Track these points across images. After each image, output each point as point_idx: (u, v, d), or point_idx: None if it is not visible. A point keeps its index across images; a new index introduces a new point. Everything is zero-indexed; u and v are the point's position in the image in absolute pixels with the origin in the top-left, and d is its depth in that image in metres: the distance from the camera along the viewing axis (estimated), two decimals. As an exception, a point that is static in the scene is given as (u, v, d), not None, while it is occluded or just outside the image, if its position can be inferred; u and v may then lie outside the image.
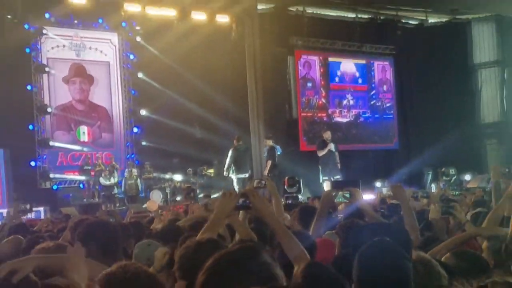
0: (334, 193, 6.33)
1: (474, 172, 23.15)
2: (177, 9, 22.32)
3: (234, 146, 20.92)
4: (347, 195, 6.26)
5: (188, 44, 22.29)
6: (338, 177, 20.40)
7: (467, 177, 23.15)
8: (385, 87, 28.20)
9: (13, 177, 20.87)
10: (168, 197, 21.66)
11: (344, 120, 26.72)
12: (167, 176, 23.17)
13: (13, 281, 3.20)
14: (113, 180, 21.82)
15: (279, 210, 6.43)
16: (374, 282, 3.04)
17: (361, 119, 27.15)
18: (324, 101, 26.39)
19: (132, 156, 24.25)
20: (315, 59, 26.29)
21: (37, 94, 22.54)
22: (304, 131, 25.61)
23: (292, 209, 8.08)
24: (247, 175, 20.41)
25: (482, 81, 29.69)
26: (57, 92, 23.22)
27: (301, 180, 18.91)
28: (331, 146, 20.99)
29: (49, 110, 22.59)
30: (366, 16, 26.92)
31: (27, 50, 22.19)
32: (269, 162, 20.56)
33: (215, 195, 19.46)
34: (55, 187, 22.06)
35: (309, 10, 25.11)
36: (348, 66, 27.23)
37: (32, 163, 22.06)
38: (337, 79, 26.99)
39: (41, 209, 17.93)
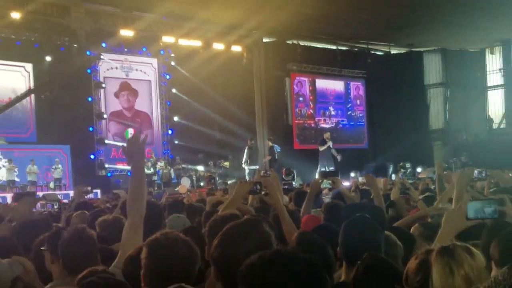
0: (320, 181, 6.44)
1: (424, 166, 23.21)
2: (202, 41, 22.48)
3: (248, 145, 21.05)
4: (330, 183, 6.52)
5: (210, 67, 22.11)
6: (332, 168, 20.31)
7: (419, 169, 23.34)
8: (358, 102, 28.10)
9: (77, 167, 21.12)
10: (194, 183, 21.53)
11: (327, 126, 26.29)
12: (193, 167, 23.08)
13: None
14: (152, 170, 21.79)
15: (279, 193, 6.32)
16: (355, 246, 3.02)
17: (340, 125, 26.91)
18: (312, 111, 26.32)
19: (167, 151, 24.23)
20: (306, 80, 26.20)
21: (96, 104, 22.72)
22: (297, 134, 25.62)
23: (288, 193, 8.10)
24: (257, 167, 20.23)
25: (431, 98, 29.80)
26: (110, 103, 23.41)
27: (295, 171, 19.02)
28: (330, 143, 21.00)
29: (104, 116, 22.84)
30: (344, 48, 26.81)
31: (88, 71, 22.36)
32: (268, 159, 20.54)
33: (230, 182, 19.71)
34: (109, 174, 22.32)
35: (302, 43, 25.04)
36: (330, 85, 27.07)
37: (92, 156, 22.31)
38: (321, 95, 26.76)
39: (98, 191, 17.99)
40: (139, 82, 24.26)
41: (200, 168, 23.04)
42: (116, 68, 23.45)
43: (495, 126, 29.42)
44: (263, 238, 2.48)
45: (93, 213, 5.82)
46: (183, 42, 22.40)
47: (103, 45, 21.96)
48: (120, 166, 22.73)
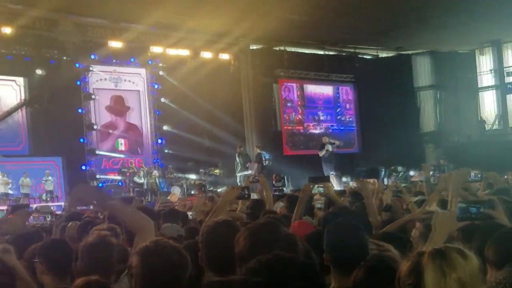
0: (311, 186, 6.29)
1: (417, 169, 22.48)
2: (190, 50, 22.55)
3: (238, 152, 21.35)
4: (321, 189, 6.68)
5: (198, 76, 22.20)
6: (332, 172, 20.57)
7: (412, 172, 23.10)
8: (348, 106, 28.05)
9: (69, 178, 20.81)
10: (185, 191, 21.46)
11: (317, 131, 26.28)
12: (184, 175, 23.04)
13: None
14: (143, 179, 21.70)
15: (269, 199, 6.47)
16: (340, 249, 3.03)
17: (330, 130, 26.62)
18: (300, 117, 26.20)
19: (158, 160, 23.94)
20: (294, 85, 26.15)
21: (86, 115, 22.52)
22: (286, 140, 25.57)
23: (279, 199, 8.00)
24: (250, 171, 20.17)
25: (421, 101, 29.75)
26: (101, 114, 23.25)
27: (285, 177, 19.13)
28: (329, 147, 21.17)
29: (95, 127, 22.71)
30: (332, 53, 26.61)
31: (78, 83, 22.22)
32: (257, 165, 20.56)
33: (220, 190, 19.71)
34: (100, 184, 21.76)
35: (289, 49, 24.99)
36: (319, 90, 27.10)
37: (83, 167, 22.04)
38: (310, 100, 26.86)
39: None
40: (129, 92, 24.10)
41: (191, 176, 22.97)
42: (106, 79, 23.31)
43: (488, 127, 29.32)
44: (289, 238, 2.60)
45: (83, 223, 5.62)
46: (171, 51, 22.39)
47: (92, 56, 21.85)
48: (111, 176, 22.67)
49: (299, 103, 26.48)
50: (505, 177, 9.74)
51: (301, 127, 26.37)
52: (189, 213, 7.37)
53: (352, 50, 27.23)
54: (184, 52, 22.73)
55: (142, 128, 24.55)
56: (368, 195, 5.48)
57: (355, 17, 21.20)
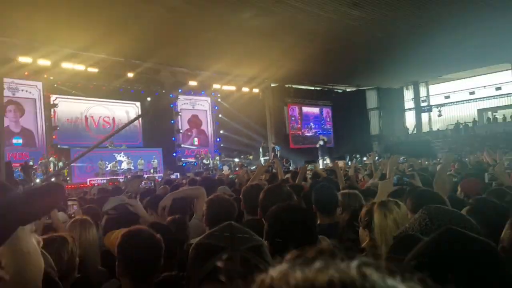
0: (307, 165, 6.57)
1: (368, 156, 21.05)
2: (235, 86, 21.85)
3: (261, 146, 21.37)
4: (312, 167, 6.91)
5: (240, 101, 21.97)
6: (326, 157, 20.58)
7: (364, 158, 21.03)
8: (328, 119, 27.25)
9: (166, 160, 20.63)
10: (232, 168, 20.68)
11: (309, 134, 25.74)
12: (232, 159, 22.65)
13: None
14: (208, 161, 21.59)
15: (281, 173, 6.03)
16: (324, 201, 2.80)
17: (317, 134, 25.85)
18: (300, 126, 25.58)
19: (217, 151, 23.71)
20: (296, 108, 25.41)
21: (175, 125, 22.70)
22: (291, 139, 24.77)
23: (287, 173, 7.11)
24: (267, 157, 20.09)
25: (371, 116, 29.16)
26: (184, 124, 23.14)
27: (291, 160, 19.34)
28: (320, 142, 21.88)
29: (181, 131, 22.85)
30: (318, 88, 25.97)
31: (171, 106, 22.42)
32: (272, 154, 20.07)
33: (253, 167, 19.19)
34: (184, 164, 21.75)
35: (294, 86, 24.35)
36: (310, 111, 26.28)
37: (174, 154, 22.14)
38: (305, 116, 25.86)
39: (178, 174, 17.80)
40: (200, 111, 23.83)
41: (236, 159, 22.57)
42: (187, 103, 23.26)
43: (410, 132, 29.14)
44: (288, 193, 2.39)
45: (174, 185, 5.54)
46: (225, 87, 21.79)
47: (180, 90, 21.77)
48: (189, 160, 22.15)
49: (299, 118, 25.73)
50: (419, 161, 9.68)
51: (299, 132, 25.69)
52: (236, 180, 7.01)
53: (330, 86, 26.59)
54: (232, 88, 22.06)
55: (208, 132, 24.23)
56: (339, 171, 5.26)
57: (332, 67, 20.47)
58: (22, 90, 17.71)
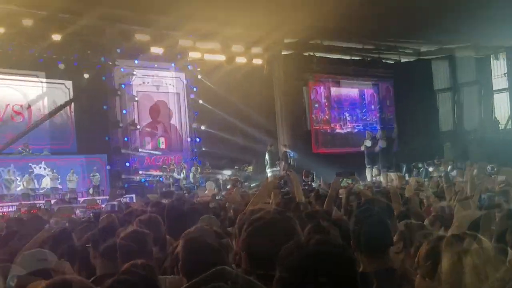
0: (340, 180, 6.46)
1: (436, 166, 22.80)
2: (226, 55, 22.11)
3: (268, 150, 21.33)
4: (349, 181, 6.67)
5: (233, 79, 22.09)
6: (369, 166, 21.88)
7: (431, 169, 22.83)
8: (372, 107, 27.81)
9: (114, 174, 21.31)
10: (221, 186, 21.16)
11: (343, 131, 26.34)
12: (220, 172, 22.96)
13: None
14: (182, 175, 21.90)
15: (299, 193, 6.40)
16: (370, 238, 3.00)
17: (356, 130, 26.64)
18: (327, 117, 26.00)
19: (195, 158, 24.19)
20: (321, 88, 25.99)
21: (129, 116, 22.87)
22: (314, 139, 25.41)
23: (308, 194, 8.06)
24: (278, 168, 20.41)
25: (440, 102, 29.44)
26: (143, 115, 23.51)
27: (314, 173, 18.89)
28: (366, 143, 22.83)
29: (138, 127, 22.99)
30: (357, 58, 26.46)
31: (122, 86, 22.64)
32: (283, 163, 20.45)
33: (253, 185, 19.94)
34: (143, 180, 22.20)
35: (317, 54, 24.89)
36: (344, 92, 26.93)
37: (127, 164, 22.42)
38: (337, 101, 26.66)
39: (133, 195, 18.19)
40: (168, 95, 24.28)
41: (226, 172, 22.71)
42: (148, 83, 23.58)
43: (501, 127, 28.94)
44: (290, 226, 2.57)
45: (125, 214, 6.23)
46: (208, 57, 22.02)
47: (136, 62, 22.14)
48: (152, 173, 22.73)
49: (326, 104, 26.22)
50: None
51: (327, 127, 26.13)
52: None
53: (376, 55, 27.04)
54: (221, 58, 22.30)
55: (181, 128, 24.80)
56: (394, 191, 6.10)
57: (377, 24, 20.86)
58: None
